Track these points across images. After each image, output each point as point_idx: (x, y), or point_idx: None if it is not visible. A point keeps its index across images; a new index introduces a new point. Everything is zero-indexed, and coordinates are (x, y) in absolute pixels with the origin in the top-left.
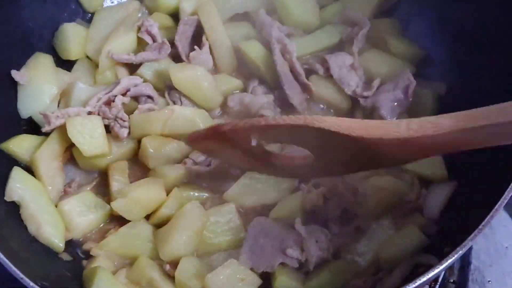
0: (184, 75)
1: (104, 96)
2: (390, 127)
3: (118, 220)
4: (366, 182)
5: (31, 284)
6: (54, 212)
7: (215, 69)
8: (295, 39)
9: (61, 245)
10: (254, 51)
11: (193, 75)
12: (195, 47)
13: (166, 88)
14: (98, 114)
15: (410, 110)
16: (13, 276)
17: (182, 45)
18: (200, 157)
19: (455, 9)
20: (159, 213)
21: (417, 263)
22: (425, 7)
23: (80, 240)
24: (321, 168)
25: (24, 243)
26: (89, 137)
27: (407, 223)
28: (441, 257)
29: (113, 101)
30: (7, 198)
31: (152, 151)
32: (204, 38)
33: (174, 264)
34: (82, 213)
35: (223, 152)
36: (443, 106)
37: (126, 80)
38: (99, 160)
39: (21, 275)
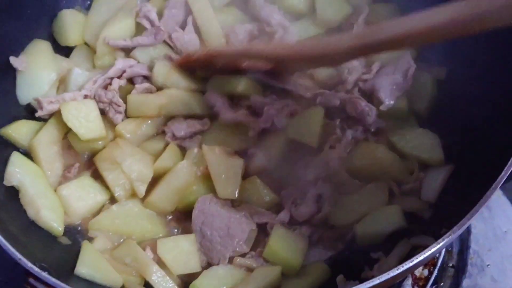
0: None
1: (100, 79)
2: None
3: None
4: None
5: (29, 264)
6: (53, 196)
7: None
8: (294, 24)
9: (60, 229)
10: None
11: None
12: (176, 27)
13: None
14: (94, 98)
15: (409, 93)
16: (13, 261)
17: (168, 29)
18: (181, 132)
19: None
20: (156, 165)
21: (414, 245)
22: None
23: (78, 223)
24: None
25: (23, 227)
26: (85, 120)
27: (400, 203)
28: (437, 238)
29: (110, 84)
30: (6, 182)
31: (129, 135)
32: (188, 19)
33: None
34: (81, 197)
35: (202, 68)
36: (443, 91)
37: (121, 62)
38: (96, 144)
39: (19, 256)
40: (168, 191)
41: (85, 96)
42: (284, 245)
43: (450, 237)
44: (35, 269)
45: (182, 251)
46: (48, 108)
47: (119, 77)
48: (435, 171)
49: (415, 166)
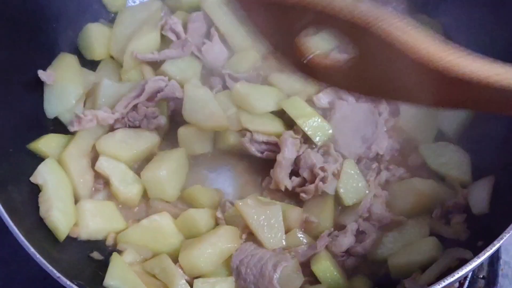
0: None
1: (131, 104)
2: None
3: None
4: (404, 182)
5: (68, 282)
6: (69, 203)
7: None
8: None
9: (65, 233)
10: None
11: None
12: (204, 40)
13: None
14: (128, 120)
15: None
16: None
17: (194, 42)
18: (262, 137)
19: None
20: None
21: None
22: None
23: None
24: (362, 79)
25: (58, 244)
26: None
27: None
28: (475, 252)
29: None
30: (32, 179)
31: None
32: (212, 30)
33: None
34: (97, 218)
35: (262, 20)
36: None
37: (152, 84)
38: None
39: (58, 274)
40: (210, 253)
41: (116, 121)
42: (333, 263)
43: (491, 250)
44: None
45: None
46: (86, 126)
47: (150, 99)
48: (478, 185)
49: (456, 185)
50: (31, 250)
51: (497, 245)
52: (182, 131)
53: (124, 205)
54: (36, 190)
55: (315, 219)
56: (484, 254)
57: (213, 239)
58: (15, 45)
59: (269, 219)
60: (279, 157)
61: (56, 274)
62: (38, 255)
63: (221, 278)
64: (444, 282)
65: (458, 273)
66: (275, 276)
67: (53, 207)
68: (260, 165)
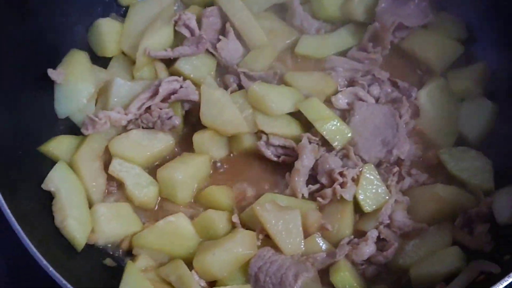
0: None
1: (145, 105)
2: None
3: None
4: (426, 188)
5: None
6: (84, 210)
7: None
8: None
9: (82, 242)
10: None
11: None
12: (220, 36)
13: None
14: (142, 122)
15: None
16: None
17: (209, 38)
18: (279, 141)
19: None
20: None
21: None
22: None
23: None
24: None
25: (72, 254)
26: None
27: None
28: (502, 265)
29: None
30: (44, 186)
31: None
32: (227, 26)
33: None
34: (113, 222)
35: None
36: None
37: (166, 86)
38: None
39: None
40: (226, 259)
41: (129, 122)
42: (352, 273)
43: None
44: None
45: None
46: (100, 129)
47: (164, 100)
48: (502, 193)
49: (479, 192)
50: (44, 262)
51: None
52: (197, 138)
53: (140, 208)
54: (47, 195)
55: (331, 227)
56: None
57: (230, 244)
58: (23, 42)
59: (288, 224)
60: (297, 164)
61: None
62: (51, 268)
63: (237, 286)
64: None
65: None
66: (295, 286)
67: (68, 216)
68: (278, 164)
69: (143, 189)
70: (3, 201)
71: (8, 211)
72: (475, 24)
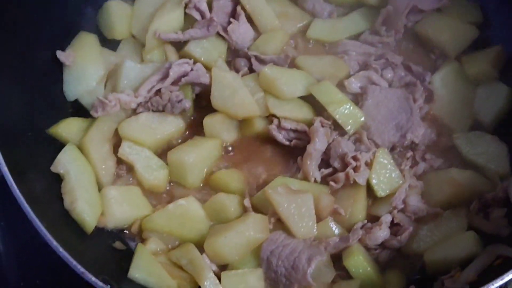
0: None
1: (155, 87)
2: None
3: None
4: (441, 172)
5: (93, 278)
6: (94, 192)
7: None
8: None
9: (92, 225)
10: None
11: None
12: (231, 19)
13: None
14: (152, 105)
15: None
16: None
17: (220, 21)
18: (291, 124)
19: None
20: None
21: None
22: None
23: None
24: None
25: (81, 235)
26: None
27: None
28: None
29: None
30: (53, 168)
31: None
32: (238, 9)
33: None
34: (124, 205)
35: None
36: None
37: (176, 68)
38: None
39: (82, 269)
40: (237, 242)
41: (139, 105)
42: (366, 257)
43: None
44: (99, 284)
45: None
46: (110, 111)
47: (175, 83)
48: None
49: (495, 177)
50: (54, 243)
51: None
52: (208, 121)
53: (150, 191)
54: (57, 177)
55: (343, 211)
56: None
57: (241, 227)
58: (31, 23)
59: (300, 207)
60: (309, 148)
61: (80, 269)
62: (61, 249)
63: (249, 270)
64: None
65: (507, 275)
66: (309, 270)
67: (78, 198)
68: (289, 148)
69: (153, 172)
70: (13, 183)
71: (18, 192)
72: (490, 7)
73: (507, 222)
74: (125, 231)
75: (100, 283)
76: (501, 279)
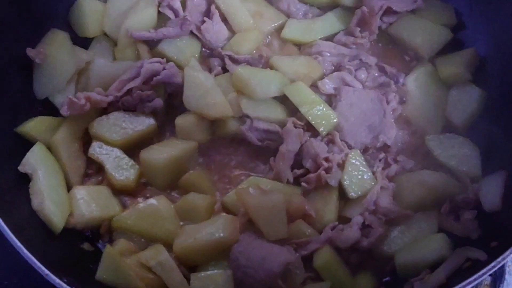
0: None
1: (125, 87)
2: None
3: None
4: (412, 174)
5: (57, 280)
6: (63, 193)
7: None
8: (318, 19)
9: (60, 226)
10: None
11: None
12: (205, 18)
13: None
14: (122, 104)
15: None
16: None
17: (193, 20)
18: (263, 125)
19: None
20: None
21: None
22: None
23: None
24: None
25: (48, 236)
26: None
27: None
28: (489, 252)
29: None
30: (21, 168)
31: None
32: (212, 8)
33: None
34: (93, 205)
35: None
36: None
37: (148, 67)
38: None
39: (46, 271)
40: (206, 244)
41: (110, 104)
42: (337, 259)
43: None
44: (64, 286)
45: None
46: (79, 110)
47: (146, 82)
48: (489, 180)
49: (466, 179)
50: (18, 244)
51: None
52: (179, 121)
53: (121, 191)
54: (25, 177)
55: (314, 213)
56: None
57: (211, 229)
58: (1, 20)
59: (271, 208)
60: (282, 148)
61: (44, 271)
62: (25, 250)
63: (218, 271)
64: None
65: (474, 277)
66: (278, 272)
67: (46, 199)
68: (262, 149)
69: (123, 172)
70: None
71: None
72: (464, 10)
73: (477, 224)
74: (94, 231)
75: (64, 286)
76: (469, 282)
